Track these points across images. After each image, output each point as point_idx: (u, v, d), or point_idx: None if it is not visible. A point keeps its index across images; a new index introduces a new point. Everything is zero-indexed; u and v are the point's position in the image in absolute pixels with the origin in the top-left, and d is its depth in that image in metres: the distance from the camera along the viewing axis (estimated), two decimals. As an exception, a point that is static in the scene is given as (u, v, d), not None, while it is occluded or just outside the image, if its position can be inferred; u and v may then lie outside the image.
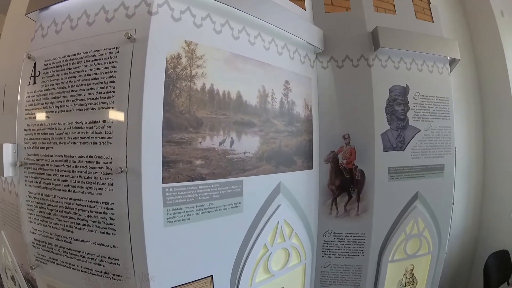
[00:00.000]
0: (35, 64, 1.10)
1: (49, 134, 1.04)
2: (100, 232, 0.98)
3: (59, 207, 1.03)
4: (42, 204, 1.07)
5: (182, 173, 1.02)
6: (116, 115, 0.94)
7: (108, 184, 0.95)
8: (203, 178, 1.07)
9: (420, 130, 1.55)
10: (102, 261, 1.00)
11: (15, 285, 1.45)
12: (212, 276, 1.14)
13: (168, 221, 0.99)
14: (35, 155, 1.07)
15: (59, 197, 1.03)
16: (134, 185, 0.93)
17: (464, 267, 3.08)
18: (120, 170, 0.92)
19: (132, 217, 0.94)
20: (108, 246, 0.98)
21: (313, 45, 1.46)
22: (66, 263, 1.07)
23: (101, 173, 0.96)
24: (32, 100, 1.09)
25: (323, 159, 1.48)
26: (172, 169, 1.00)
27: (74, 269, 1.06)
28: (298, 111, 1.40)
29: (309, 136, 1.44)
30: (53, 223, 1.06)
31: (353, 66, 1.50)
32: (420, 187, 1.56)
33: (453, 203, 1.82)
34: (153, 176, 0.95)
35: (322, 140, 1.49)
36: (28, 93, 1.10)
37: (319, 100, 1.50)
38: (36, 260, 1.15)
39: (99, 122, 0.96)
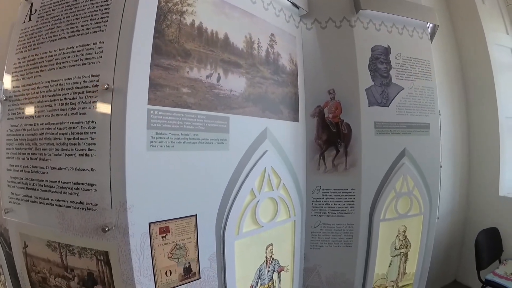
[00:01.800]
0: (32, 4, 1.12)
1: (39, 63, 1.05)
2: (79, 155, 0.95)
3: (40, 134, 1.02)
4: (23, 135, 1.05)
5: (168, 98, 1.02)
6: (108, 37, 0.96)
7: (93, 102, 0.94)
8: (189, 107, 1.07)
9: (403, 88, 1.59)
10: (78, 189, 0.97)
11: (-12, 244, 1.37)
12: (196, 216, 1.10)
13: (151, 145, 0.97)
14: (22, 86, 1.07)
15: (40, 124, 1.02)
16: (118, 103, 0.92)
17: (455, 246, 3.06)
18: (106, 86, 0.91)
19: (114, 136, 0.91)
20: (86, 170, 0.95)
21: (298, 6, 1.53)
22: (40, 198, 1.04)
23: (86, 91, 0.95)
24: (25, 35, 1.10)
25: (309, 114, 1.49)
26: (159, 92, 1.00)
27: (48, 204, 1.02)
28: (283, 63, 1.43)
29: (295, 89, 1.46)
30: (31, 153, 1.04)
31: (336, 27, 1.56)
32: (407, 144, 1.57)
33: (441, 166, 1.82)
34: (138, 96, 0.95)
35: (308, 95, 1.51)
36: (22, 30, 1.11)
37: (304, 58, 1.54)
38: (10, 202, 1.11)
39: (90, 44, 0.97)
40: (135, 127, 0.93)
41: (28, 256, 1.14)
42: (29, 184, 1.05)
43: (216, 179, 1.15)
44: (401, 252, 1.64)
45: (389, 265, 1.64)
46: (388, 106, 1.55)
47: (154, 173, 0.98)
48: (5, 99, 1.09)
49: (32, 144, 1.03)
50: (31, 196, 1.05)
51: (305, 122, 1.48)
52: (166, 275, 1.07)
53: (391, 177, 1.53)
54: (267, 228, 1.33)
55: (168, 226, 1.04)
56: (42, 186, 1.02)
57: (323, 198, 1.49)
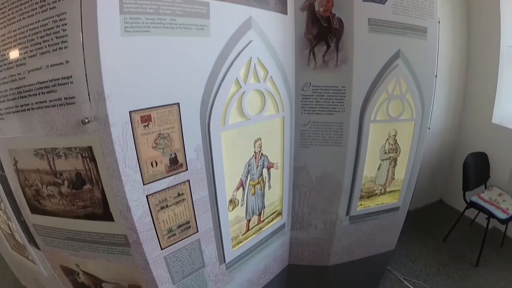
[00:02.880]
0: None
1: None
2: (53, 51, 0.91)
3: (14, 41, 0.96)
4: None
5: (140, -20, 0.93)
6: None
7: (62, -6, 0.87)
8: (164, -9, 0.98)
9: (401, -14, 1.48)
10: (55, 85, 0.94)
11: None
12: (178, 104, 1.06)
13: (125, 30, 0.90)
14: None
15: (13, 31, 0.95)
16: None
17: (443, 166, 3.16)
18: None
19: (86, 24, 0.86)
20: (61, 63, 0.91)
21: None
22: (21, 106, 1.02)
23: (55, -13, 0.88)
24: None
25: (298, 7, 1.39)
26: (129, -23, 0.91)
27: (29, 109, 1.01)
28: None
29: (281, -20, 1.35)
30: (8, 63, 0.99)
31: None
32: (402, 46, 1.49)
33: (436, 76, 1.79)
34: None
35: (297, -14, 1.40)
36: None
37: None
38: None
39: None
40: (107, 13, 0.87)
41: (19, 172, 1.16)
42: (9, 95, 1.02)
43: (198, 66, 1.10)
44: (390, 157, 1.66)
45: (378, 169, 1.66)
46: (383, 4, 1.45)
47: (130, 59, 0.93)
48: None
49: (7, 54, 0.98)
50: (13, 107, 1.03)
51: (294, 16, 1.39)
52: (152, 166, 1.07)
53: (383, 78, 1.48)
54: (254, 121, 1.31)
55: (150, 115, 1.01)
56: (22, 92, 1.00)
57: (313, 95, 1.45)
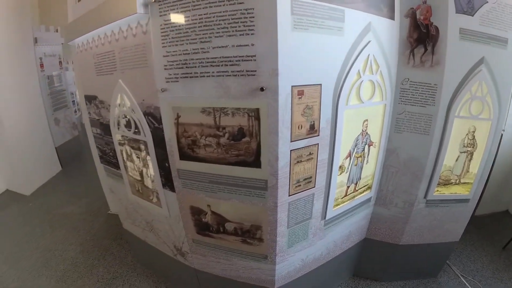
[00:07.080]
0: None
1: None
2: (240, 35, 1.20)
3: (199, 23, 1.24)
4: (179, 26, 1.28)
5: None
6: None
7: (250, -6, 1.17)
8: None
9: (487, 2, 1.74)
10: (239, 60, 1.24)
11: (130, 129, 1.67)
12: (320, 85, 1.39)
13: (294, 27, 1.22)
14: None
15: (198, 15, 1.23)
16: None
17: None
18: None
19: (269, 19, 1.17)
20: (247, 45, 1.21)
21: None
22: (200, 73, 1.30)
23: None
24: None
25: (403, 15, 1.69)
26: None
27: (209, 76, 1.28)
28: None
29: (392, -9, 1.65)
30: (191, 39, 1.27)
31: None
32: (486, 53, 1.74)
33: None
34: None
35: (403, -4, 1.69)
36: None
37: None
38: (167, 82, 1.38)
39: None
40: (283, 13, 1.18)
41: (179, 125, 1.42)
42: (189, 63, 1.31)
43: (335, 58, 1.42)
44: (468, 150, 1.87)
45: (456, 160, 1.88)
46: (472, 16, 1.71)
47: (295, 47, 1.24)
48: (154, 1, 1.29)
49: (191, 31, 1.26)
50: (191, 73, 1.32)
51: (399, 21, 1.69)
52: (298, 129, 1.38)
53: (469, 80, 1.72)
54: (365, 105, 1.61)
55: (303, 90, 1.33)
56: (203, 62, 1.28)
57: (409, 89, 1.73)
